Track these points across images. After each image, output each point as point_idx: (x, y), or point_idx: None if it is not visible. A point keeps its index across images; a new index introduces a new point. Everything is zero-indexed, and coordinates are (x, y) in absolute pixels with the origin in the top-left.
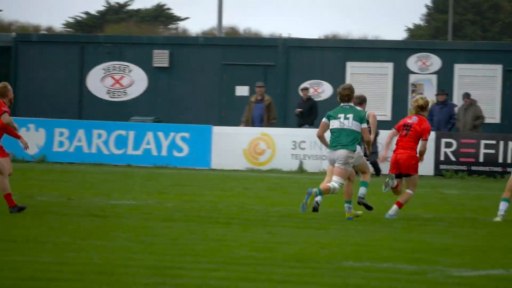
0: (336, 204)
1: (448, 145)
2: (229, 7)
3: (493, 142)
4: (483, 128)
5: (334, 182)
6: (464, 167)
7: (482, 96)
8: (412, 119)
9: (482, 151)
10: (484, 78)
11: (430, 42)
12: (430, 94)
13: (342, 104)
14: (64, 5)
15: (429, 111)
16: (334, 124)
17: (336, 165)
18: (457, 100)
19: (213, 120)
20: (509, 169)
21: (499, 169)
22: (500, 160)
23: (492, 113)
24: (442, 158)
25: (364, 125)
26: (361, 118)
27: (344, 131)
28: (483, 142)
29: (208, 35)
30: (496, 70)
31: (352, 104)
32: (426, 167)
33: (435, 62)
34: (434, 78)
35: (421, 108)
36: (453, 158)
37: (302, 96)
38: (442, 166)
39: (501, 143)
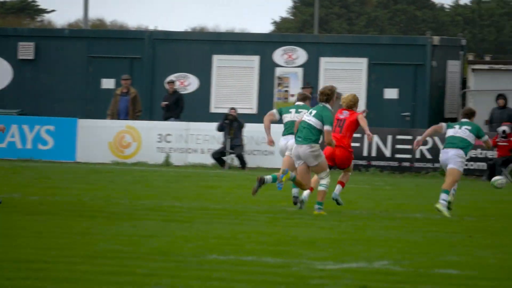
0: (202, 198)
1: None
2: None
3: (358, 135)
4: None
5: (322, 180)
6: None
7: (348, 89)
8: (343, 114)
9: None
10: (350, 71)
11: (296, 35)
12: (295, 87)
13: (320, 103)
14: None
15: None
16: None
17: (309, 164)
18: None
19: (78, 113)
20: (374, 163)
21: (363, 162)
22: (365, 153)
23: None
24: None
25: (327, 127)
26: (322, 118)
27: (305, 125)
28: None
29: (74, 28)
30: (361, 64)
31: (327, 105)
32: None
33: (301, 55)
34: (300, 71)
35: (353, 105)
36: None
37: (168, 89)
38: None
39: (366, 136)
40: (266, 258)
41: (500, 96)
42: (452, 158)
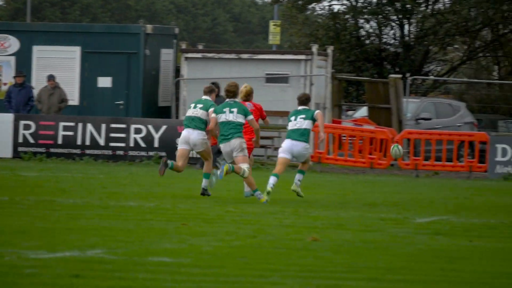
0: None
1: (27, 127)
2: None
3: (72, 124)
4: (62, 110)
5: (243, 167)
6: (42, 149)
7: (62, 78)
8: (248, 106)
9: (61, 133)
10: (63, 60)
11: (8, 23)
12: (8, 76)
13: (227, 100)
14: None
15: (8, 93)
16: (221, 118)
17: (234, 154)
18: (36, 82)
19: None
20: (88, 152)
21: (77, 151)
22: (79, 142)
23: (72, 95)
24: (20, 140)
25: (250, 117)
26: (245, 112)
27: (231, 124)
28: (62, 124)
29: None
30: (74, 52)
31: (237, 99)
32: (4, 149)
33: (14, 43)
34: (12, 59)
35: (248, 95)
36: (32, 140)
37: None
38: (20, 148)
39: (80, 125)
40: None
41: (213, 84)
42: (300, 152)
